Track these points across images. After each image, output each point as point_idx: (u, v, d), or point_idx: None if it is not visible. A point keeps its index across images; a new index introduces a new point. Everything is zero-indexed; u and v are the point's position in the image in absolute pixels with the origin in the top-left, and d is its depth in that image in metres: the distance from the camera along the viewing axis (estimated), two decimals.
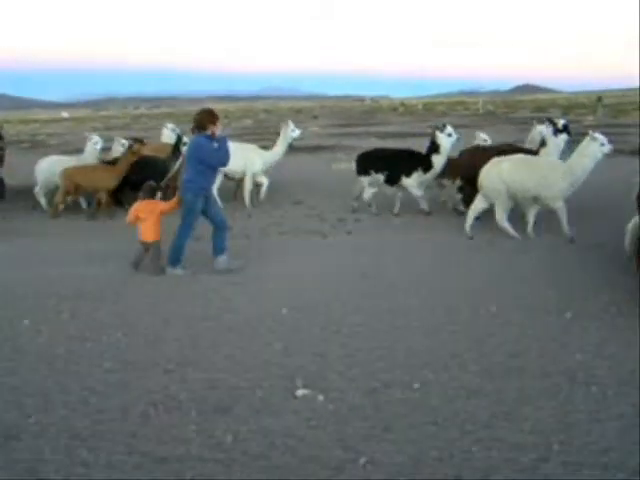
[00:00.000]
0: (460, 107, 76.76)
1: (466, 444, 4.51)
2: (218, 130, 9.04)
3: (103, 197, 14.10)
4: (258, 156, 14.79)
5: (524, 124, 41.57)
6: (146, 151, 14.68)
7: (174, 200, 9.54)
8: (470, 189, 11.89)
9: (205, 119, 9.01)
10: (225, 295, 8.14)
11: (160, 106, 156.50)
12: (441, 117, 53.20)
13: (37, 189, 15.19)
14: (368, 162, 13.33)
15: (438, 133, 12.54)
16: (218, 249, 9.29)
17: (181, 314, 7.45)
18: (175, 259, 9.19)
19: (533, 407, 4.98)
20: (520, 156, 11.00)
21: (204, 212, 9.18)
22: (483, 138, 14.65)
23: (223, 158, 9.06)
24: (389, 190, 13.46)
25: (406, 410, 5.03)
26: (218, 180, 13.40)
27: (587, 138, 10.05)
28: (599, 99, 54.00)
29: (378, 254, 10.10)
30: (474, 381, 5.48)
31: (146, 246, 9.38)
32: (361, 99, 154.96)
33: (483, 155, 11.66)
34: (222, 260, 9.30)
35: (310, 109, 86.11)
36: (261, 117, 68.72)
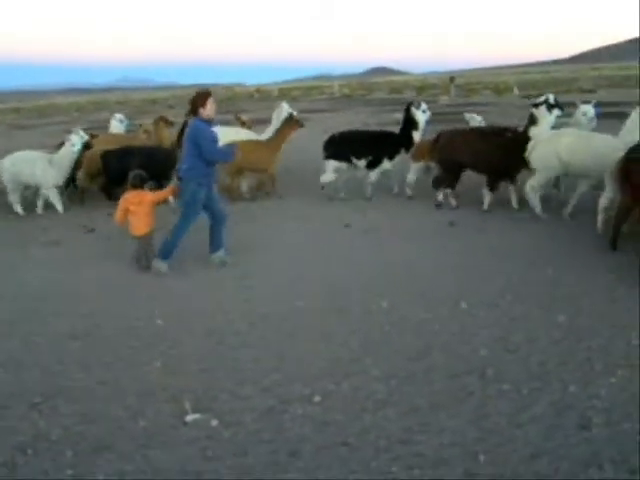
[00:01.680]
0: (315, 91, 77.04)
1: (384, 464, 4.06)
2: (211, 112, 8.33)
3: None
4: (250, 139, 13.66)
5: (381, 106, 42.23)
6: (99, 144, 13.60)
7: (167, 190, 8.96)
8: (444, 172, 11.39)
9: (195, 101, 8.32)
10: (95, 306, 7.36)
11: (6, 100, 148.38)
12: (296, 102, 53.15)
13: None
14: (345, 146, 12.56)
15: (414, 110, 12.26)
16: (217, 243, 8.75)
17: (43, 332, 6.64)
18: (167, 253, 8.53)
19: (447, 414, 4.59)
20: (575, 131, 10.30)
21: (205, 203, 8.47)
22: (478, 120, 13.57)
23: (223, 152, 8.52)
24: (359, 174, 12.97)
25: (310, 430, 4.53)
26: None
27: (635, 113, 9.53)
28: (452, 79, 55.37)
29: (259, 251, 9.53)
30: (379, 389, 5.03)
31: (138, 240, 8.74)
32: (215, 87, 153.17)
33: (463, 137, 11.36)
34: (220, 255, 8.76)
35: (165, 99, 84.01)
36: (115, 109, 66.35)
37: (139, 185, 8.79)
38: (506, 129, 11.14)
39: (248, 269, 8.45)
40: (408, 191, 12.39)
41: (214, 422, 4.66)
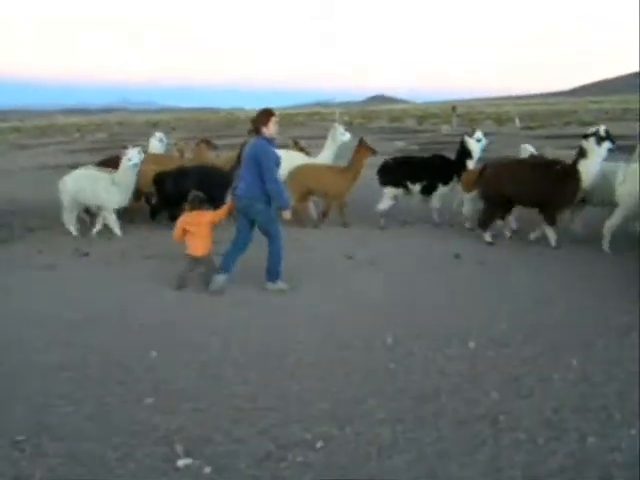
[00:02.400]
0: (317, 117, 77.17)
1: None
2: (274, 131, 8.24)
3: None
4: (304, 162, 13.39)
5: (382, 134, 42.19)
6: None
7: (223, 209, 8.81)
8: (489, 206, 10.84)
9: (258, 120, 8.22)
10: (83, 336, 7.04)
11: (7, 119, 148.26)
12: (300, 128, 53.16)
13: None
14: (401, 172, 12.34)
15: (468, 138, 12.07)
16: (225, 267, 8.58)
17: (29, 362, 6.31)
18: (275, 274, 8.47)
19: (458, 464, 4.28)
20: None
21: (252, 223, 8.42)
22: (530, 151, 12.77)
23: (282, 191, 8.32)
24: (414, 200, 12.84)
25: (311, 479, 4.21)
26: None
27: None
28: (453, 109, 55.42)
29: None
30: (385, 434, 4.72)
31: (195, 261, 8.67)
32: (216, 111, 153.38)
33: (510, 169, 10.84)
34: (220, 280, 8.53)
35: (166, 122, 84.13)
36: (115, 130, 66.42)
37: (197, 206, 8.70)
38: (555, 161, 10.62)
39: (247, 297, 8.16)
40: (468, 224, 12.00)
41: (207, 469, 4.34)
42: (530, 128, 45.28)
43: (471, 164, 12.03)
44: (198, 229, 8.57)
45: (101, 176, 12.18)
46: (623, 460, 4.25)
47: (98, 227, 12.46)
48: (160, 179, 12.48)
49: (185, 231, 8.65)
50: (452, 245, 10.59)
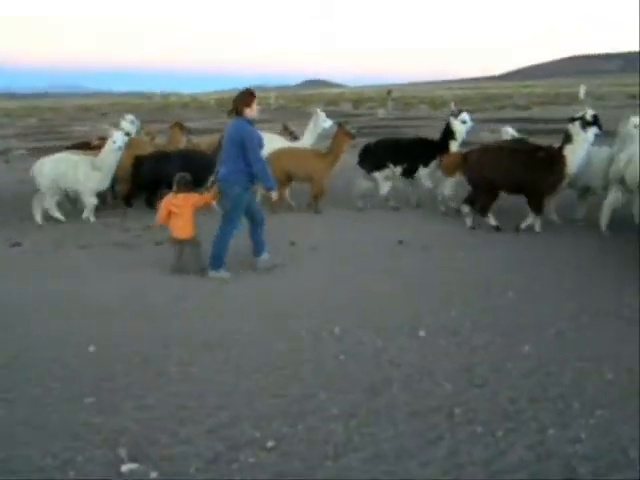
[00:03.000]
0: None
1: None
2: (255, 112, 8.15)
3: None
4: (283, 146, 13.15)
5: None
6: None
7: (210, 193, 8.74)
8: (476, 191, 10.55)
9: (239, 100, 8.05)
10: (15, 330, 6.66)
11: None
12: None
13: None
14: (383, 154, 12.24)
15: (453, 119, 11.90)
16: (260, 247, 8.58)
17: None
18: (218, 261, 8.27)
19: (417, 462, 4.12)
20: None
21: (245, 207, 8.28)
22: (511, 133, 12.61)
23: (268, 172, 8.27)
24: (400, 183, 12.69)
25: None
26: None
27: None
28: (389, 93, 55.53)
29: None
30: (338, 430, 4.53)
31: (180, 244, 8.55)
32: (149, 95, 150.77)
33: (495, 153, 10.59)
34: (265, 258, 8.61)
35: (98, 107, 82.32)
36: (46, 116, 64.63)
37: (184, 188, 8.59)
38: (540, 147, 10.34)
39: (189, 287, 7.89)
40: (440, 206, 11.90)
41: (153, 474, 4.08)
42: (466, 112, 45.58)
43: (455, 146, 11.90)
44: (183, 211, 8.46)
45: (81, 159, 11.81)
46: (585, 452, 4.14)
47: (87, 213, 12.02)
48: (139, 163, 12.13)
49: (170, 213, 8.53)
50: (399, 231, 10.46)
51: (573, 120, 9.78)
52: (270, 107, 62.08)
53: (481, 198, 10.44)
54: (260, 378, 5.38)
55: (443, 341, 6.05)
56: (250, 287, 7.91)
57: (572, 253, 8.95)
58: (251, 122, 8.08)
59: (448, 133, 11.97)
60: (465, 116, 11.91)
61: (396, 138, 14.15)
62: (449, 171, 11.35)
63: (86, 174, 11.56)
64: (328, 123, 13.41)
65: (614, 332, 6.12)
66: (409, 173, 12.17)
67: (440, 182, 12.11)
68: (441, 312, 6.81)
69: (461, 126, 11.86)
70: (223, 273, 8.26)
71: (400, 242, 9.76)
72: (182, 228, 8.49)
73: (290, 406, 4.90)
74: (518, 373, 5.32)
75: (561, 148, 9.73)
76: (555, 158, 9.78)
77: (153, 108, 71.72)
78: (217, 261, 8.25)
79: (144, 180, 12.12)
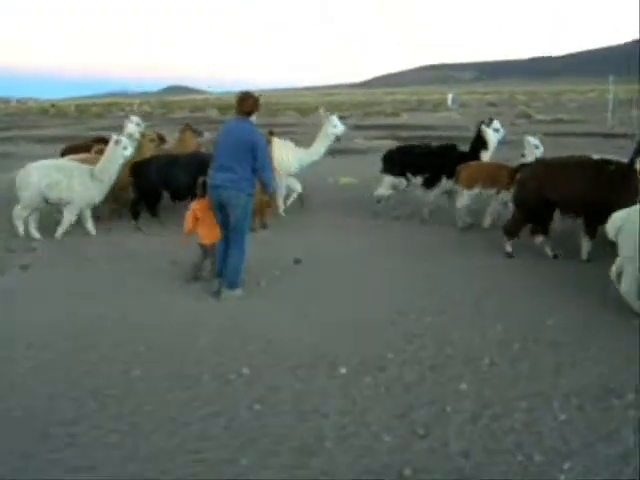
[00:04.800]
0: (115, 108, 73.95)
1: None
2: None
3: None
4: (292, 154, 12.01)
5: (183, 124, 40.68)
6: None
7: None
8: (522, 213, 9.04)
9: (249, 104, 7.47)
10: None
11: None
12: (98, 119, 50.57)
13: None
14: (404, 161, 11.34)
15: (484, 128, 10.98)
16: (235, 276, 7.68)
17: None
18: (238, 280, 7.60)
19: None
20: None
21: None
22: (534, 144, 10.72)
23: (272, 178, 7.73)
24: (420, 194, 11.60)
25: None
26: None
27: None
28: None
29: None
30: None
31: (205, 251, 8.03)
32: (6, 100, 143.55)
33: (558, 168, 8.97)
34: (238, 294, 7.65)
35: None
36: None
37: (205, 192, 7.84)
38: (607, 161, 8.77)
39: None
40: (460, 223, 10.73)
41: None
42: (341, 118, 45.57)
43: (486, 156, 11.07)
44: (208, 215, 7.83)
45: (75, 167, 10.34)
46: None
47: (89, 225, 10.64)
48: (141, 169, 10.90)
49: (196, 219, 7.93)
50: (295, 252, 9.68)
51: None
52: (135, 113, 60.09)
53: (520, 218, 9.04)
54: (161, 440, 4.47)
55: (369, 379, 5.32)
56: (141, 319, 6.93)
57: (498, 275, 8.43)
58: (255, 126, 7.55)
59: (479, 142, 11.18)
60: (497, 124, 11.14)
61: (422, 144, 12.73)
62: (468, 184, 10.40)
63: (83, 184, 10.18)
64: (340, 129, 12.14)
65: (549, 360, 5.60)
66: (431, 183, 11.29)
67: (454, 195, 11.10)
68: (357, 343, 6.09)
69: (494, 135, 11.11)
70: (238, 293, 7.58)
71: (296, 261, 8.94)
72: (207, 234, 7.88)
73: (206, 475, 4.03)
74: (461, 418, 4.67)
75: (632, 161, 8.45)
76: (627, 173, 8.33)
77: (9, 113, 68.01)
78: (235, 281, 7.57)
79: (148, 187, 10.92)
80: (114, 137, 10.29)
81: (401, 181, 11.48)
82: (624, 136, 24.46)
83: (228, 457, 4.23)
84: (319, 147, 12.15)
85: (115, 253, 9.51)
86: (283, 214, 11.94)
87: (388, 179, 11.57)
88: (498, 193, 10.26)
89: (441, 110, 53.44)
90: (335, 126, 12.00)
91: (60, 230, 10.38)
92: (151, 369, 5.62)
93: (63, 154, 12.58)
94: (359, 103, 74.77)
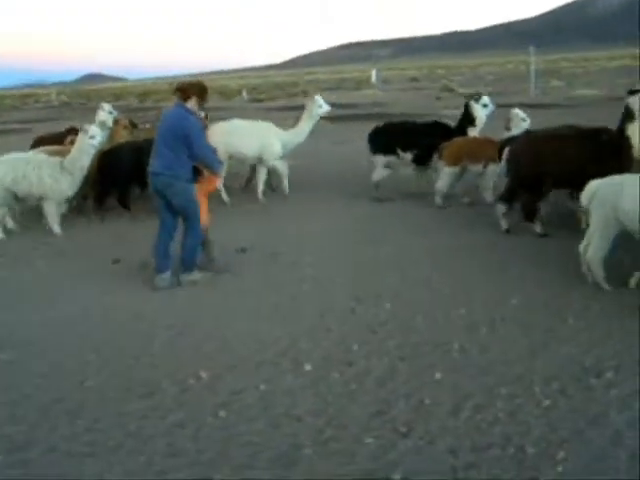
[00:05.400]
0: (31, 100, 71.67)
1: None
2: (195, 108, 7.37)
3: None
4: (276, 137, 11.65)
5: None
6: None
7: (216, 177, 7.85)
8: (525, 190, 8.61)
9: (192, 90, 7.28)
10: None
11: None
12: (12, 111, 48.87)
13: None
14: (391, 138, 11.02)
15: (473, 104, 10.62)
16: (191, 260, 7.57)
17: None
18: (192, 265, 7.48)
19: None
20: None
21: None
22: (521, 117, 10.30)
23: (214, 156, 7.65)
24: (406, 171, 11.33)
25: None
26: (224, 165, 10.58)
27: None
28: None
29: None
30: None
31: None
32: None
33: (550, 140, 8.49)
34: (195, 277, 7.53)
35: None
36: None
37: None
38: (599, 130, 8.37)
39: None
40: (438, 200, 10.40)
41: None
42: (259, 100, 45.09)
43: (474, 132, 10.74)
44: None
45: (44, 160, 9.80)
46: None
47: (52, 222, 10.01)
48: (109, 157, 10.55)
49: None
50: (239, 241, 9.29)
51: (633, 92, 7.95)
52: (52, 104, 58.45)
53: (528, 197, 8.57)
54: (125, 460, 4.09)
55: (337, 375, 5.03)
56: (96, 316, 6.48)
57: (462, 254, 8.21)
58: (190, 112, 7.27)
59: (467, 118, 10.86)
60: (486, 99, 10.84)
61: (408, 121, 12.44)
62: (451, 161, 10.12)
63: (53, 176, 9.64)
64: (325, 109, 11.76)
65: (521, 342, 5.41)
66: (421, 160, 10.96)
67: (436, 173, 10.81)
68: (317, 335, 5.80)
69: (482, 111, 10.78)
70: (196, 275, 7.47)
71: (242, 250, 8.59)
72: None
73: None
74: (442, 410, 4.42)
75: (622, 128, 8.01)
76: (620, 141, 7.93)
77: None
78: (191, 262, 7.47)
79: (119, 176, 10.48)
80: (83, 127, 9.80)
81: (392, 159, 11.19)
82: (548, 106, 24.77)
83: (200, 476, 3.88)
84: (304, 128, 11.78)
85: (56, 250, 9.04)
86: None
87: (379, 159, 11.26)
88: (485, 167, 10.04)
89: (364, 88, 53.38)
90: (320, 106, 11.65)
91: (51, 222, 9.99)
92: (104, 378, 5.22)
93: (34, 146, 11.97)
94: (279, 84, 74.11)
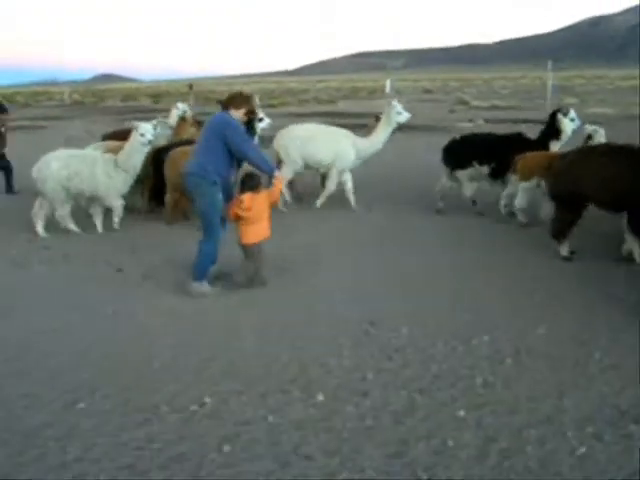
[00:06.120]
0: (43, 97, 71.58)
1: None
2: (240, 117, 7.25)
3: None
4: (352, 145, 11.09)
5: (118, 114, 39.42)
6: None
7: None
8: (561, 209, 8.10)
9: (233, 101, 7.24)
10: None
11: None
12: (23, 109, 48.68)
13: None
14: (469, 151, 10.49)
15: (561, 117, 10.03)
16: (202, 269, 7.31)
17: None
18: (201, 275, 7.22)
19: None
20: None
21: None
22: (593, 128, 10.08)
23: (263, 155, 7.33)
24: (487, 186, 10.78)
25: None
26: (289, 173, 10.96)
27: None
28: (190, 87, 53.48)
29: None
30: None
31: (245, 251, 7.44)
32: None
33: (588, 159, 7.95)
34: (204, 289, 7.23)
35: None
36: None
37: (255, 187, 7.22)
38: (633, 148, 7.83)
39: None
40: (521, 218, 9.82)
41: None
42: (272, 106, 44.77)
43: (556, 146, 10.17)
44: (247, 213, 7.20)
45: (98, 157, 9.66)
46: None
47: (99, 223, 10.03)
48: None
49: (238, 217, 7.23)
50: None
51: None
52: (65, 103, 58.35)
53: (562, 216, 8.04)
54: None
55: (352, 407, 4.65)
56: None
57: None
58: (232, 117, 7.15)
59: (551, 131, 10.27)
60: (574, 114, 10.24)
61: (486, 133, 11.69)
62: (525, 174, 9.53)
63: (107, 174, 9.51)
64: (406, 116, 11.15)
65: (548, 379, 5.02)
66: (498, 174, 10.41)
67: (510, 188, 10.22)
68: (330, 360, 5.42)
69: (570, 125, 10.19)
70: (203, 288, 7.18)
71: (119, 270, 8.09)
72: (244, 233, 7.26)
73: None
74: (466, 454, 4.03)
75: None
76: None
77: None
78: (199, 272, 7.20)
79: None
80: (134, 124, 9.65)
81: (471, 172, 10.64)
82: None
83: None
84: (381, 136, 11.19)
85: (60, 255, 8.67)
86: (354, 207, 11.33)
87: (462, 174, 10.69)
88: None
89: (376, 97, 53.03)
90: (399, 113, 11.04)
91: (102, 223, 10.01)
92: (98, 400, 4.84)
93: (104, 139, 12.00)
94: (291, 90, 73.84)
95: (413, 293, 7.02)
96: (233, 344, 5.80)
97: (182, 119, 12.52)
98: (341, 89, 79.05)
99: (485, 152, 10.44)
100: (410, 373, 5.15)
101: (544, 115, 23.85)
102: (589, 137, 9.98)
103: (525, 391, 4.82)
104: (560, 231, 8.08)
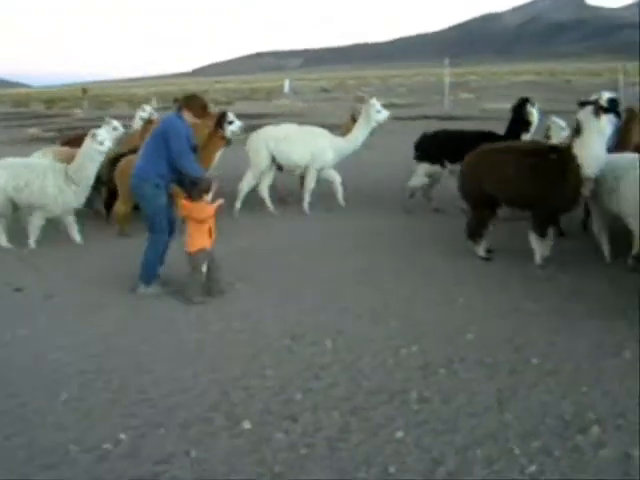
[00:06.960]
0: None
1: None
2: (190, 122, 7.11)
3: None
4: (330, 144, 10.90)
5: (8, 120, 37.93)
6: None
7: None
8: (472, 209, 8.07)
9: (188, 103, 7.10)
10: None
11: None
12: None
13: None
14: (438, 147, 10.32)
15: (530, 107, 9.74)
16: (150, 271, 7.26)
17: None
18: (149, 277, 7.17)
19: None
20: None
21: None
22: (561, 126, 9.46)
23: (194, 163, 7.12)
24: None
25: None
26: (269, 176, 11.04)
27: None
28: (84, 91, 52.15)
29: None
30: None
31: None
32: None
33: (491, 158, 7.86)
34: (150, 291, 7.17)
35: None
36: None
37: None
38: (551, 147, 7.77)
39: None
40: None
41: None
42: (168, 109, 43.94)
43: (526, 138, 9.78)
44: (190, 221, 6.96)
45: (49, 166, 8.81)
46: None
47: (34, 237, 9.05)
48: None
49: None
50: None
51: (583, 105, 7.16)
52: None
53: (475, 216, 7.97)
54: None
55: (281, 435, 4.27)
56: None
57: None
58: (182, 119, 7.05)
59: (520, 123, 9.86)
60: (536, 105, 9.98)
61: (460, 130, 11.34)
62: None
63: (57, 185, 8.63)
64: (384, 114, 10.82)
65: (486, 390, 4.77)
66: None
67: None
68: (252, 382, 5.03)
69: (537, 116, 9.88)
70: (155, 288, 7.16)
71: (18, 290, 7.50)
72: (190, 240, 6.88)
73: None
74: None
75: (570, 146, 7.24)
76: (564, 159, 7.19)
77: None
78: (145, 275, 7.14)
79: None
80: (90, 130, 8.83)
81: (437, 169, 10.47)
82: (462, 119, 24.65)
83: None
84: (359, 135, 10.93)
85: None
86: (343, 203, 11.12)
87: (423, 167, 10.51)
88: None
89: (275, 98, 52.77)
90: (379, 111, 10.78)
91: (77, 236, 9.28)
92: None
93: (63, 145, 11.36)
94: (189, 92, 72.83)
95: (334, 301, 6.70)
96: (146, 368, 5.33)
97: (149, 122, 11.67)
98: (239, 90, 78.44)
99: (456, 149, 9.96)
100: (340, 392, 4.81)
101: (443, 111, 23.89)
102: (548, 129, 9.74)
103: (464, 405, 4.55)
104: (475, 231, 7.94)
